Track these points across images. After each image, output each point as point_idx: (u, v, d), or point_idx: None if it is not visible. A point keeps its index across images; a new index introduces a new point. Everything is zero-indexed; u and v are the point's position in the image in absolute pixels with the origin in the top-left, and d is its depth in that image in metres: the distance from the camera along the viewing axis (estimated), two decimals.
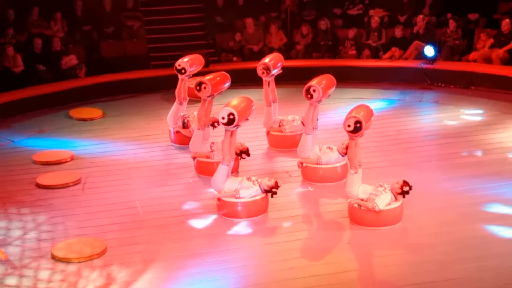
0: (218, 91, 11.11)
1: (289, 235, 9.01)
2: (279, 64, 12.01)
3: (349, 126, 8.99)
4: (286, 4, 17.84)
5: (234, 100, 9.66)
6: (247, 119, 9.77)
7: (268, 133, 12.06)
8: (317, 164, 10.51)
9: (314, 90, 10.45)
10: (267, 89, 11.89)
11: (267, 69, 11.73)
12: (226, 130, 9.50)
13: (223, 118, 9.32)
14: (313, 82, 10.58)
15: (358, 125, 8.95)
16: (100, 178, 10.99)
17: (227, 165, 9.50)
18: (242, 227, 9.28)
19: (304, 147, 10.59)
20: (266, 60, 11.95)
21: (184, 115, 12.21)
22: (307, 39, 17.28)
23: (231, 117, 9.27)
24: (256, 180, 9.51)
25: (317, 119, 10.90)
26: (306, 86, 10.53)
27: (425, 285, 7.75)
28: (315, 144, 10.64)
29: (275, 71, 11.88)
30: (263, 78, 11.84)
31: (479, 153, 11.59)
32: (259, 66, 11.81)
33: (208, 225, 9.39)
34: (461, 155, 11.47)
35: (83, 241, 8.82)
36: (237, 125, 9.44)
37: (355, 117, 8.98)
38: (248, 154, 10.59)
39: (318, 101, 10.58)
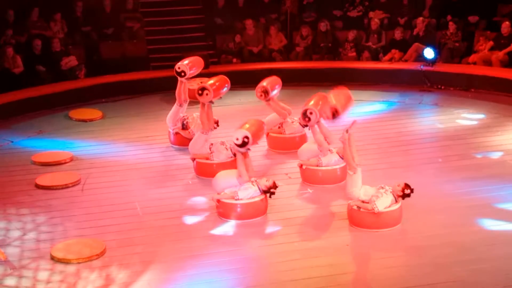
0: (219, 96, 11.16)
1: (288, 237, 9.01)
2: (276, 86, 11.94)
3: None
4: (286, 5, 17.84)
5: (250, 123, 9.76)
6: (257, 143, 9.93)
7: (267, 134, 12.05)
8: (318, 166, 10.51)
9: (311, 113, 10.36)
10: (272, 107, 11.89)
11: (265, 92, 11.65)
12: (237, 151, 9.63)
13: (237, 139, 9.42)
14: (310, 104, 10.46)
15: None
16: (100, 179, 11.00)
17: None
18: (241, 229, 9.28)
19: (307, 151, 10.57)
20: (264, 83, 11.86)
21: (183, 116, 12.20)
22: (307, 41, 17.28)
23: (246, 140, 9.37)
24: (255, 180, 9.52)
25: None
26: (303, 110, 10.42)
27: (424, 287, 7.75)
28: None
29: (273, 93, 11.82)
30: (264, 101, 11.82)
31: (478, 156, 11.58)
32: (257, 90, 11.72)
33: (207, 227, 9.39)
34: (460, 158, 11.46)
35: (82, 242, 8.82)
36: (248, 148, 9.56)
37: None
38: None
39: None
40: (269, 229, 9.37)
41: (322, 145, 10.50)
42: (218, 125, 11.67)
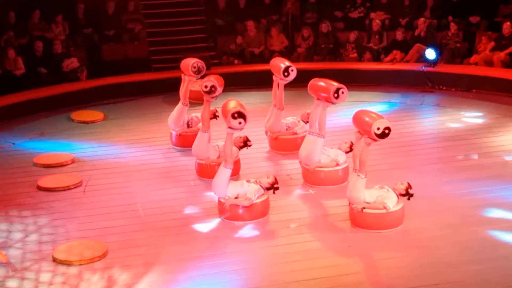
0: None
1: (290, 238, 9.00)
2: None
3: (378, 129, 8.82)
4: (287, 7, 17.85)
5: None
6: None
7: (276, 138, 11.94)
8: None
9: (343, 92, 10.29)
10: (276, 91, 11.84)
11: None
12: (228, 134, 9.50)
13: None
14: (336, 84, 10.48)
15: (386, 131, 8.83)
16: (101, 181, 11.00)
17: (230, 169, 9.49)
18: (243, 230, 9.28)
19: (316, 152, 10.42)
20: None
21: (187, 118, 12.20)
22: (308, 42, 17.29)
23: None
24: (255, 181, 9.51)
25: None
26: (336, 87, 10.28)
27: (426, 287, 7.77)
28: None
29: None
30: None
31: (480, 156, 11.57)
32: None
33: (209, 228, 9.39)
34: (462, 158, 11.46)
35: (84, 244, 8.82)
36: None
37: (387, 123, 8.84)
38: (250, 141, 10.68)
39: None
40: (271, 230, 9.36)
41: (323, 128, 10.43)
42: (218, 117, 11.45)
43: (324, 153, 10.47)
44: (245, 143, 10.62)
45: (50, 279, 8.13)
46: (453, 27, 16.55)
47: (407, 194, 9.04)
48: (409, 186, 9.06)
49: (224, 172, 9.41)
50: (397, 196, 9.05)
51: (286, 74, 11.59)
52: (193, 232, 9.34)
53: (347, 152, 10.46)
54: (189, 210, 9.95)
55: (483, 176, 10.61)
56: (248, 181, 9.55)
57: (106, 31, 17.12)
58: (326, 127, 10.51)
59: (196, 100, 12.91)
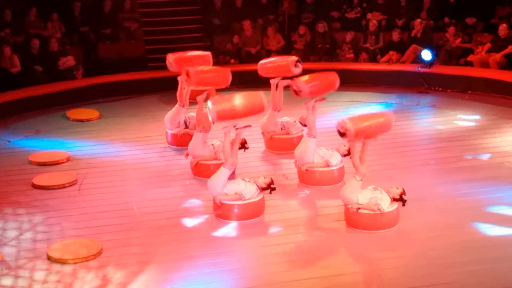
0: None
1: (285, 238, 9.00)
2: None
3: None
4: (284, 6, 17.85)
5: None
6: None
7: (271, 138, 11.95)
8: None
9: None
10: (275, 93, 11.82)
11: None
12: (225, 133, 9.54)
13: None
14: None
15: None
16: (97, 179, 10.99)
17: (230, 170, 9.49)
18: (238, 230, 9.28)
19: (308, 152, 10.46)
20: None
21: (185, 117, 12.18)
22: (304, 39, 17.27)
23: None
24: (249, 180, 9.51)
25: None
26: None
27: None
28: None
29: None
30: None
31: (475, 157, 11.59)
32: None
33: (204, 227, 9.39)
34: (457, 159, 11.48)
35: (79, 242, 8.81)
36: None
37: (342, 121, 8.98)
38: (247, 143, 10.70)
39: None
40: (266, 230, 9.36)
41: (313, 128, 10.42)
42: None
43: (318, 153, 10.47)
44: (243, 145, 10.60)
45: (45, 278, 8.11)
46: (451, 29, 16.50)
47: (401, 200, 9.04)
48: (404, 192, 9.04)
49: (223, 173, 9.45)
50: (391, 199, 9.04)
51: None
52: (188, 231, 9.34)
53: (345, 155, 10.42)
54: (184, 209, 9.94)
55: (478, 177, 10.63)
56: (243, 179, 9.55)
57: (102, 30, 17.11)
58: (323, 128, 10.52)
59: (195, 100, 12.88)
